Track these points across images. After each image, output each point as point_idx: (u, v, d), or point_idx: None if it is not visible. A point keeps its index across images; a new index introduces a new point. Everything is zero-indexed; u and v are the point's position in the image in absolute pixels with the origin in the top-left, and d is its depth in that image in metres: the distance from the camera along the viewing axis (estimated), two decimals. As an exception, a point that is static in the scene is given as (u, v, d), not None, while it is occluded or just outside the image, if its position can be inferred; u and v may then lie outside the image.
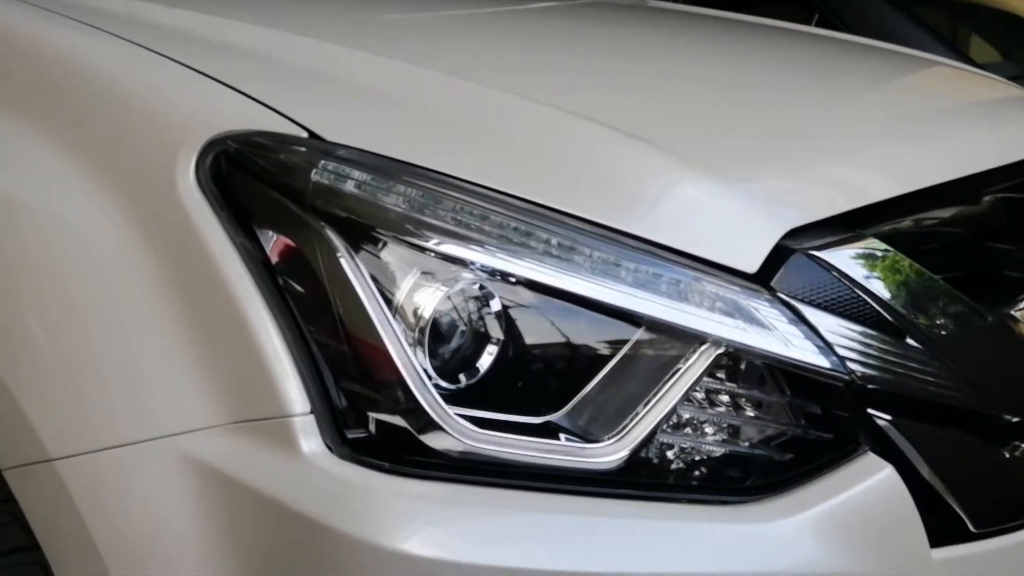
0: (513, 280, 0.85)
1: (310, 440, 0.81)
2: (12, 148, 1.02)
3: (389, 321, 0.82)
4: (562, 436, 0.86)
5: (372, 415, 0.82)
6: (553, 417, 0.85)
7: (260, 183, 0.86)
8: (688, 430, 0.89)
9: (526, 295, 0.85)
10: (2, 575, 1.04)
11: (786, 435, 0.91)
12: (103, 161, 0.95)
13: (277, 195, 0.86)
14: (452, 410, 0.82)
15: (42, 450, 0.88)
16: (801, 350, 0.89)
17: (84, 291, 0.90)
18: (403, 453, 0.82)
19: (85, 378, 0.88)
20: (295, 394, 0.82)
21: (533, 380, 0.86)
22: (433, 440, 0.81)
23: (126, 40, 1.04)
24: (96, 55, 1.03)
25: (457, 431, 0.82)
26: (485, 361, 0.85)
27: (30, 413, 0.89)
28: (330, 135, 0.90)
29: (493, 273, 0.85)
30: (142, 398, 0.86)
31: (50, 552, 0.90)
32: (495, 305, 0.85)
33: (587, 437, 0.85)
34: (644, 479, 0.86)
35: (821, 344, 0.90)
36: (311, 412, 0.82)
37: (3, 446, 0.93)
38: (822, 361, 0.90)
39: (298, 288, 0.84)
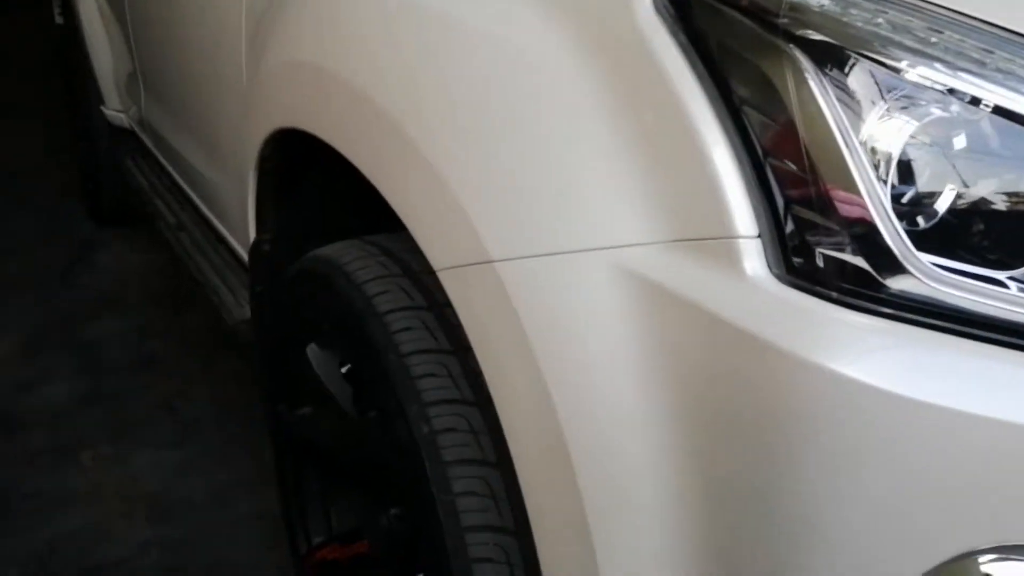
0: (991, 110, 0.75)
1: (755, 263, 0.78)
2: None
3: (857, 150, 0.76)
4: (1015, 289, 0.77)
5: (823, 245, 0.77)
6: (1018, 273, 0.76)
7: (722, 4, 0.82)
8: None
9: (1007, 131, 0.75)
10: (412, 371, 1.11)
11: None
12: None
13: (740, 16, 0.81)
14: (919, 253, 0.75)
15: (483, 252, 0.91)
16: None
17: (532, 101, 0.91)
18: (851, 286, 0.76)
19: (529, 185, 0.90)
20: (744, 216, 0.78)
21: (998, 228, 0.77)
22: (892, 279, 0.75)
23: None
24: None
25: (922, 273, 0.75)
26: (945, 202, 0.77)
27: (473, 215, 0.92)
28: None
29: (971, 102, 0.75)
30: (585, 209, 0.86)
31: (482, 351, 0.94)
32: (964, 141, 0.76)
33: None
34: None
35: None
36: (758, 236, 0.78)
37: (441, 247, 0.98)
38: None
39: (757, 109, 0.79)
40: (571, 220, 0.86)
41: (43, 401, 2.39)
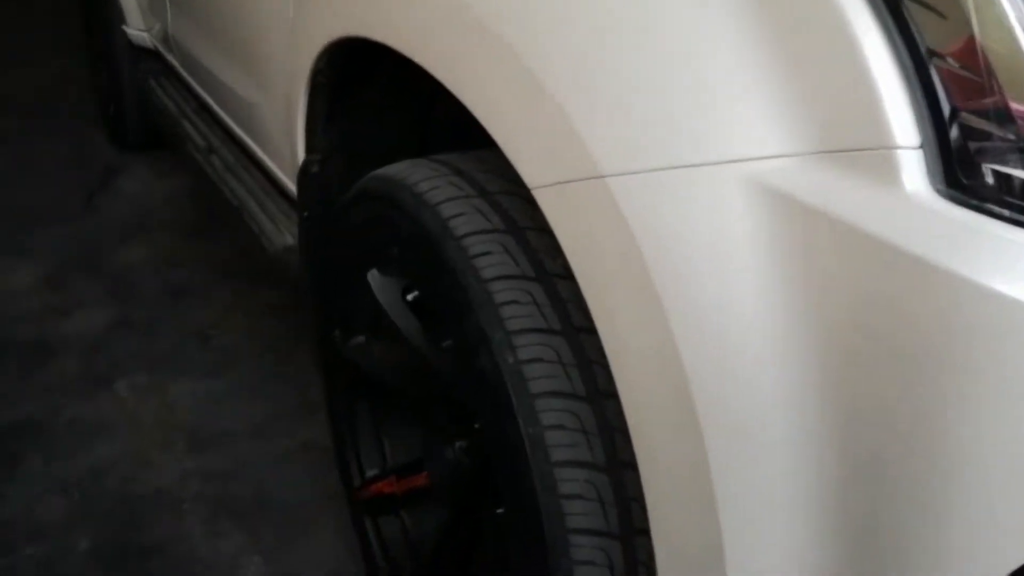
0: None
1: (914, 176, 0.69)
2: None
3: None
4: None
5: (995, 158, 0.68)
6: None
7: None
8: None
9: None
10: (496, 297, 1.04)
11: None
12: None
13: None
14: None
15: (592, 166, 0.82)
16: None
17: None
18: (1020, 202, 0.68)
19: (646, 89, 0.80)
20: (904, 124, 0.69)
21: None
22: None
23: None
24: None
25: None
26: None
27: (580, 128, 0.83)
28: None
29: None
30: (714, 116, 0.76)
31: (586, 276, 0.85)
32: None
33: None
34: None
35: None
36: (920, 147, 0.70)
37: (540, 162, 0.89)
38: None
39: (921, 2, 0.69)
40: (698, 128, 0.77)
41: (75, 329, 2.33)
